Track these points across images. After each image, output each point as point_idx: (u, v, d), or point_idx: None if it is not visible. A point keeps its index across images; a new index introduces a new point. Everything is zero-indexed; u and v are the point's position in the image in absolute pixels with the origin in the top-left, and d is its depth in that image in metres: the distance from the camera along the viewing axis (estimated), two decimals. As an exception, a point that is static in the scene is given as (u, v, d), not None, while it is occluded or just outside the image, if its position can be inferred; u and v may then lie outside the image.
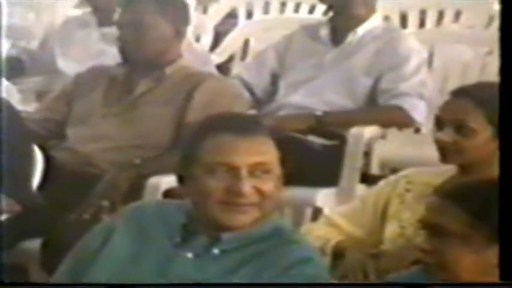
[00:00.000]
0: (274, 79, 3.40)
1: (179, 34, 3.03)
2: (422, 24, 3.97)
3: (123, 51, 3.02)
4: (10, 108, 2.62)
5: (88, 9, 3.67)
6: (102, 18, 3.56)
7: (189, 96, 2.95)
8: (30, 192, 2.58)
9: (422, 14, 4.00)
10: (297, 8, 4.20)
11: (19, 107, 2.88)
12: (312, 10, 4.10)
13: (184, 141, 1.99)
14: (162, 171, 2.80)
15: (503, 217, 1.69)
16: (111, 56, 3.24)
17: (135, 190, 2.82)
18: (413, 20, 3.94)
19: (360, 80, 3.27)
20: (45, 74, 3.67)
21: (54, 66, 3.59)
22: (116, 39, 3.03)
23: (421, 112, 3.22)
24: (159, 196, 2.77)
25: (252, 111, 3.24)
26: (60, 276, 1.94)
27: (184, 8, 3.10)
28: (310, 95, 3.28)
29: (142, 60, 3.01)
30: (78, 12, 3.79)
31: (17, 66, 3.65)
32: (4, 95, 2.83)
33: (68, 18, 3.72)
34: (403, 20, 3.96)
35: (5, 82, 3.18)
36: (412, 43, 3.33)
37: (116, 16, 3.03)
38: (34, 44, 3.73)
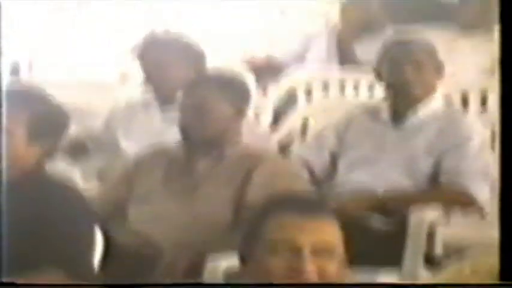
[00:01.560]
0: (334, 158, 3.38)
1: (240, 114, 3.05)
2: (483, 103, 3.93)
3: (184, 131, 3.04)
4: (72, 187, 2.63)
5: (151, 91, 3.71)
6: (164, 99, 3.60)
7: (248, 177, 2.95)
8: (92, 273, 2.57)
9: (483, 93, 3.97)
10: (356, 86, 4.20)
11: (81, 186, 2.90)
12: (371, 89, 4.10)
13: (246, 220, 1.98)
14: (222, 251, 2.78)
15: (503, 217, 1.65)
16: (171, 136, 3.26)
17: (195, 270, 2.80)
18: (474, 99, 3.91)
19: (422, 160, 3.24)
20: (107, 153, 3.70)
21: (117, 147, 3.63)
22: (178, 120, 3.06)
23: (484, 193, 3.17)
24: (219, 277, 2.74)
25: (312, 191, 3.21)
26: None
27: (246, 88, 3.12)
28: (370, 174, 3.26)
29: (203, 140, 3.02)
30: (141, 93, 3.85)
31: (80, 147, 3.69)
32: (66, 173, 2.85)
33: (131, 100, 3.77)
34: (464, 100, 3.93)
35: (67, 161, 3.21)
36: (475, 123, 3.30)
37: (179, 98, 3.06)
38: (98, 125, 3.78)
